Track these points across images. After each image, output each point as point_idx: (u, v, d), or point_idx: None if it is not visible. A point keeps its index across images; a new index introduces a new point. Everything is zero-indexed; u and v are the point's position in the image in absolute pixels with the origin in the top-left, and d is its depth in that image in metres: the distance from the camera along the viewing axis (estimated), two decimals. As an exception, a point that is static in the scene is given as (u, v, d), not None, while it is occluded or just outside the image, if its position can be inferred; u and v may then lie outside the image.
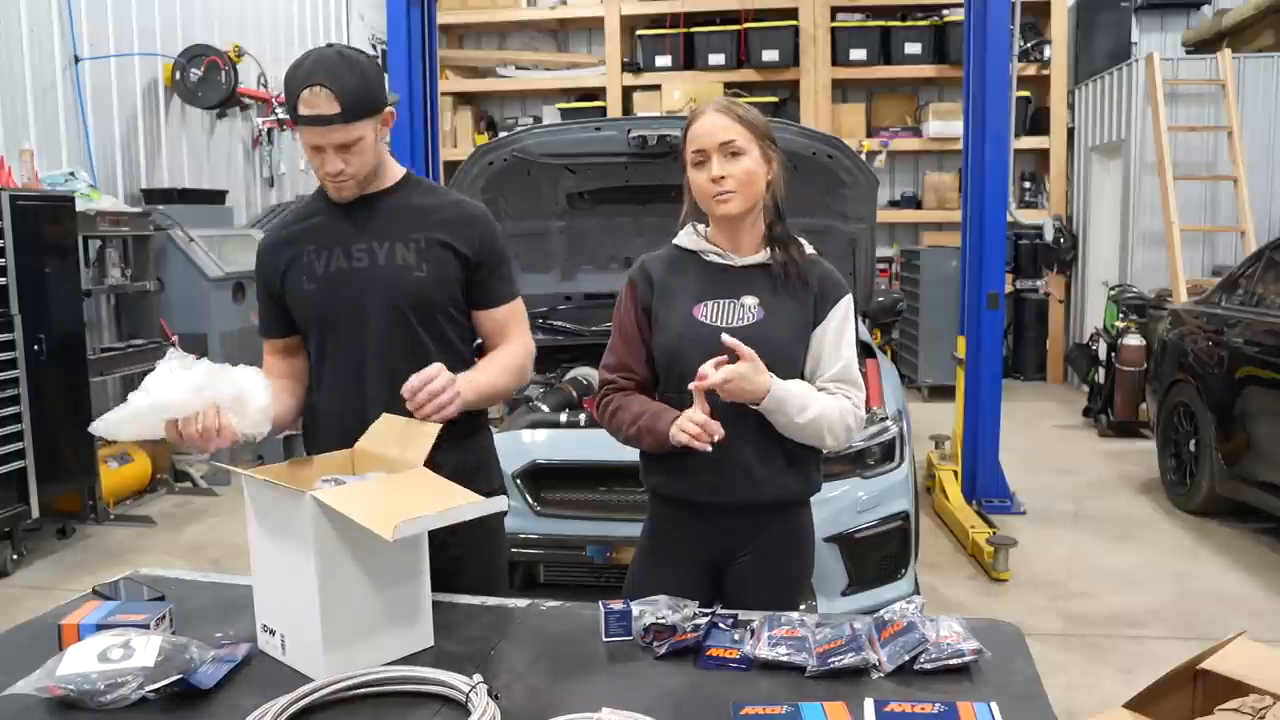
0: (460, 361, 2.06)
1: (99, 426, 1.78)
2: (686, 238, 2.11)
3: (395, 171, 2.12)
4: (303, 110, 1.91)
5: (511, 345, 2.14)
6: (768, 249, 2.05)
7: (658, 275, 2.09)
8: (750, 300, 2.02)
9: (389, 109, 2.03)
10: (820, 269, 2.08)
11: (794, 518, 2.11)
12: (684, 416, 1.90)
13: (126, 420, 1.78)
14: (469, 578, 2.02)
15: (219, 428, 1.79)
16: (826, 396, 1.99)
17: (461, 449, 2.06)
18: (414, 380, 1.86)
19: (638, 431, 2.02)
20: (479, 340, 2.22)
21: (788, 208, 2.07)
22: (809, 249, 2.09)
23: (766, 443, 1.99)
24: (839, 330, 2.04)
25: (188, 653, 1.54)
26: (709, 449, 1.88)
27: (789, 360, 2.01)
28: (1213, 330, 5.32)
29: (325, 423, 2.09)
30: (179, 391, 1.77)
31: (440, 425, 1.83)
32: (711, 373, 1.86)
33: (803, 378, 2.03)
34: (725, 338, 1.89)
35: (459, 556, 2.06)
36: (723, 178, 1.95)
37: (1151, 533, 5.14)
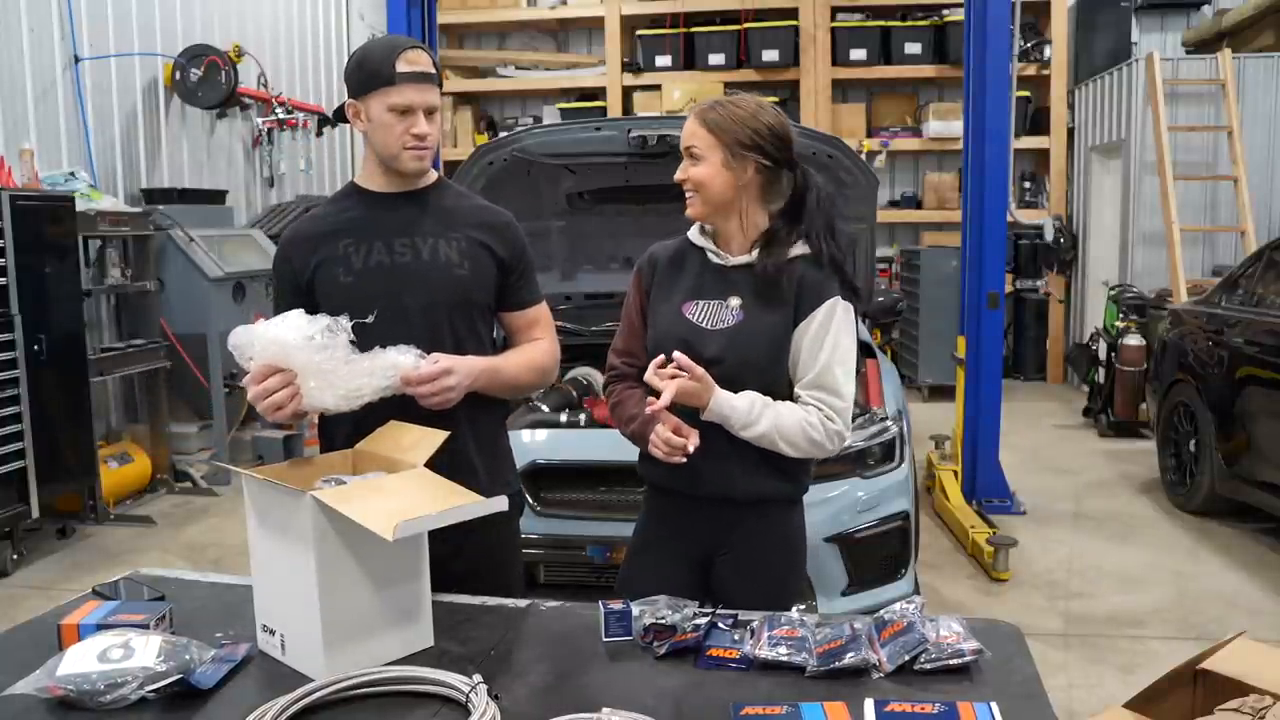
0: None
1: (238, 333, 1.83)
2: (696, 232, 2.14)
3: (432, 172, 2.17)
4: (403, 68, 1.97)
5: (539, 344, 2.20)
6: (755, 250, 2.05)
7: (661, 265, 2.15)
8: (735, 301, 2.03)
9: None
10: (802, 272, 2.02)
11: (777, 517, 2.10)
12: (654, 434, 1.95)
13: (253, 341, 1.82)
14: (485, 583, 2.02)
15: (285, 402, 1.81)
16: (784, 409, 1.97)
17: (487, 452, 2.12)
18: (419, 373, 1.88)
19: (632, 435, 2.10)
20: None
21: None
22: (801, 250, 2.04)
23: (742, 440, 1.98)
24: (817, 334, 2.00)
25: (188, 653, 1.54)
26: (683, 460, 1.93)
27: (760, 366, 2.00)
28: (1213, 330, 5.32)
29: (344, 416, 2.05)
30: (292, 333, 1.80)
31: (447, 434, 1.83)
32: (656, 400, 1.88)
33: (790, 382, 2.03)
34: (677, 354, 1.91)
35: (474, 561, 2.08)
36: (684, 180, 2.03)
37: (1151, 533, 5.15)
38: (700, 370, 1.90)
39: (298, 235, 2.14)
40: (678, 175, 2.04)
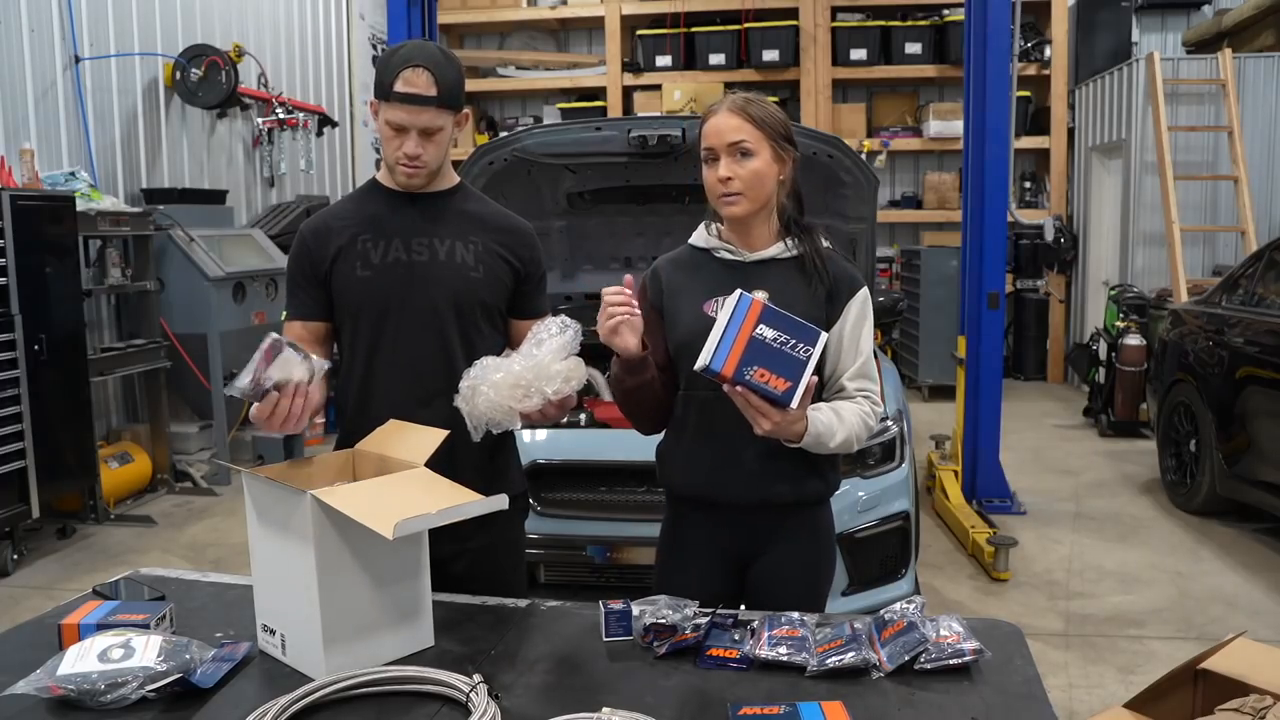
0: None
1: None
2: (700, 236, 2.12)
3: (453, 177, 2.19)
4: (399, 87, 1.97)
5: None
6: (782, 242, 2.04)
7: (667, 275, 2.12)
8: (760, 294, 2.00)
9: (465, 111, 2.09)
10: (834, 264, 2.05)
11: (811, 518, 2.10)
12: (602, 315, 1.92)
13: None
14: (485, 583, 2.03)
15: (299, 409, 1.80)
16: (844, 409, 1.96)
17: (488, 456, 2.13)
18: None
19: (611, 380, 2.03)
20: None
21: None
22: (825, 242, 2.07)
23: (771, 444, 1.95)
24: (856, 326, 2.02)
25: (188, 653, 1.54)
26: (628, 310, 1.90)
27: None
28: (1213, 330, 5.32)
29: (358, 411, 2.09)
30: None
31: (447, 432, 1.83)
32: (756, 427, 1.84)
33: (820, 374, 2.00)
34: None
35: (477, 563, 2.09)
36: (729, 179, 1.95)
37: (1151, 533, 5.14)
38: (794, 412, 1.81)
39: (318, 226, 2.14)
40: (723, 173, 1.94)
